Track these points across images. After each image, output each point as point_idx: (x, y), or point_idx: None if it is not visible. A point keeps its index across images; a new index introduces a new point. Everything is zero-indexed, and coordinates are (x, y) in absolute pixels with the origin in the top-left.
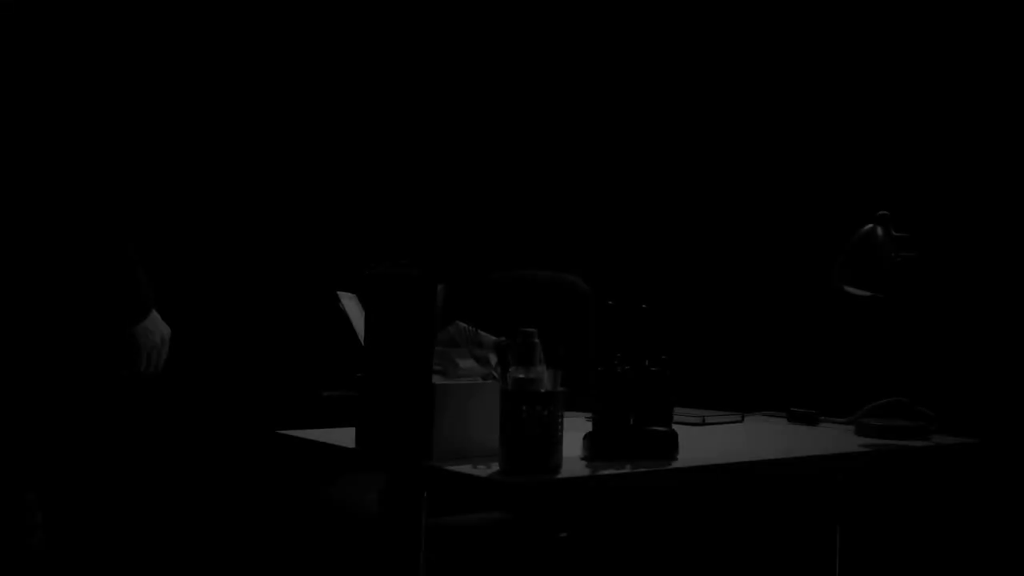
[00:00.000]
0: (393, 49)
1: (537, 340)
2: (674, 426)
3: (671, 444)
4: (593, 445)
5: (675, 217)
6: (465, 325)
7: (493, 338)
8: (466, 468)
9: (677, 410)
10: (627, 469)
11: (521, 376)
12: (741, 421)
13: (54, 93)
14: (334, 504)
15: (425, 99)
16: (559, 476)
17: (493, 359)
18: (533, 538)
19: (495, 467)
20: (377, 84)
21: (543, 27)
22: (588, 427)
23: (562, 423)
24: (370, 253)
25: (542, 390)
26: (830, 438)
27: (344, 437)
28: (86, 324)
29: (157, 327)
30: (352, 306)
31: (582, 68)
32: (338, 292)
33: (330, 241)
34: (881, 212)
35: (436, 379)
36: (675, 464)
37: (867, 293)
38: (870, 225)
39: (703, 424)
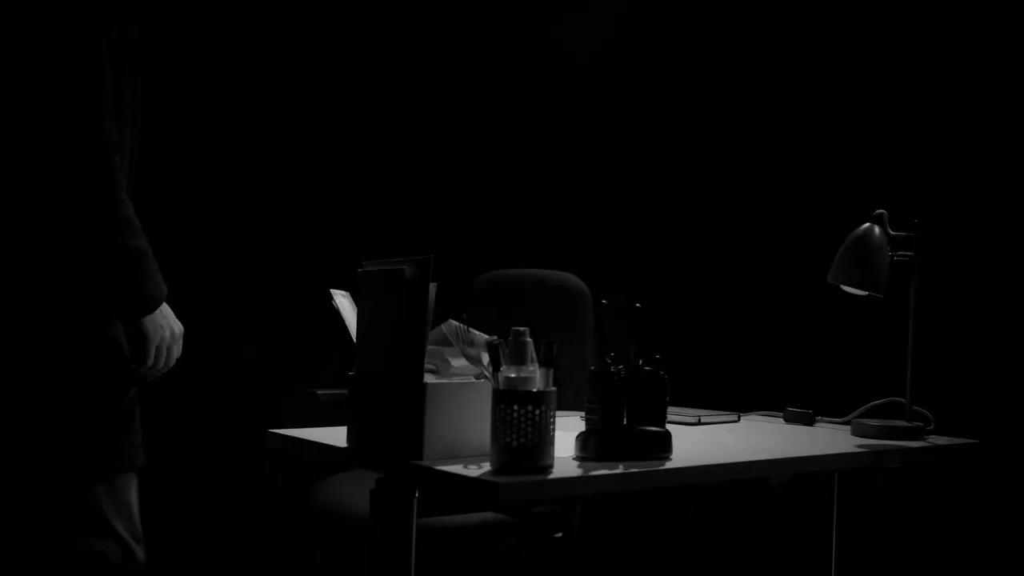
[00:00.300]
0: (389, 50)
1: (529, 339)
2: (669, 426)
3: (664, 444)
4: (586, 445)
5: (672, 216)
6: (457, 323)
7: (485, 337)
8: (457, 468)
9: (673, 410)
10: (619, 470)
11: (512, 375)
12: (737, 421)
13: (55, 79)
14: (326, 503)
15: (421, 99)
16: (550, 477)
17: (485, 358)
18: (527, 538)
19: (486, 467)
20: (372, 84)
21: (540, 28)
22: (583, 426)
23: (554, 423)
24: (365, 251)
25: (534, 389)
26: (826, 438)
27: (337, 436)
28: (87, 315)
29: (168, 322)
30: (345, 304)
31: (578, 68)
32: (332, 290)
33: (325, 239)
34: (878, 211)
35: (428, 378)
36: (668, 464)
37: (864, 292)
38: (867, 224)
39: (699, 424)
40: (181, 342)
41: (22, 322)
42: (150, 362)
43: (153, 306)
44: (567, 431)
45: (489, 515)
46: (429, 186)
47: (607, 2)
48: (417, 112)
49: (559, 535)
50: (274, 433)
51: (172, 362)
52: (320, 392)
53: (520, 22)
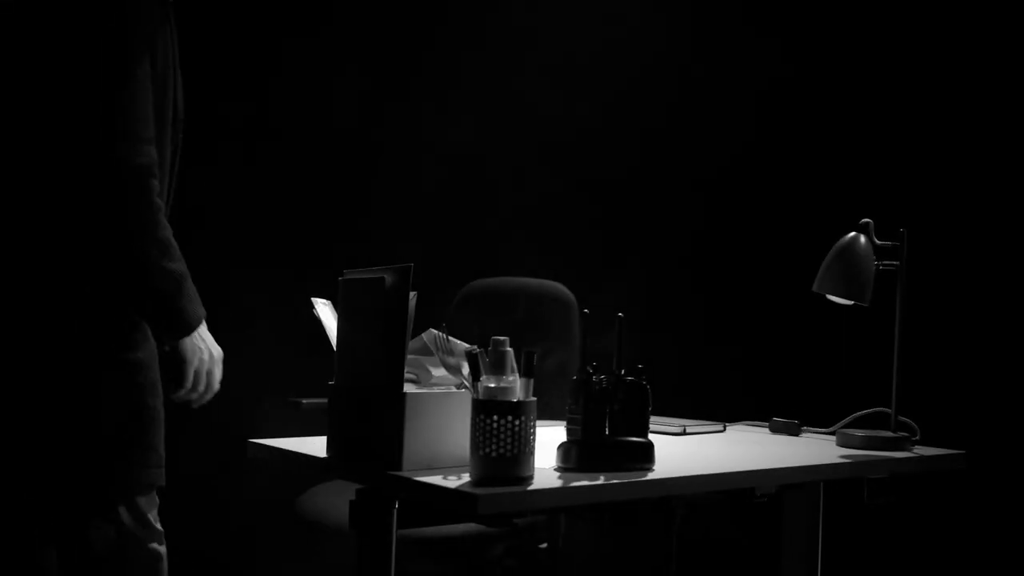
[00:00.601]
0: (376, 50)
1: (509, 348)
2: (654, 436)
3: (647, 454)
4: (567, 455)
5: (659, 225)
6: (437, 332)
7: (465, 346)
8: (436, 479)
9: (658, 419)
10: (600, 480)
11: (492, 385)
12: (723, 431)
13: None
14: (310, 513)
15: (408, 104)
16: (530, 488)
17: (464, 368)
18: (512, 549)
19: (466, 478)
20: (356, 85)
21: (521, 26)
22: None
23: (535, 433)
24: (350, 259)
25: (514, 399)
26: (812, 449)
27: (319, 446)
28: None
29: (207, 344)
30: (327, 313)
31: (562, 77)
32: (313, 299)
33: (308, 246)
34: (864, 220)
35: (408, 387)
36: (650, 475)
37: (849, 302)
38: (853, 233)
39: (684, 434)
40: (221, 365)
41: (47, 341)
42: (188, 384)
43: (189, 329)
44: (551, 441)
45: (472, 526)
46: (419, 193)
47: (599, 6)
48: (408, 116)
49: (544, 545)
50: (255, 443)
51: (215, 385)
52: (303, 401)
53: (511, 20)
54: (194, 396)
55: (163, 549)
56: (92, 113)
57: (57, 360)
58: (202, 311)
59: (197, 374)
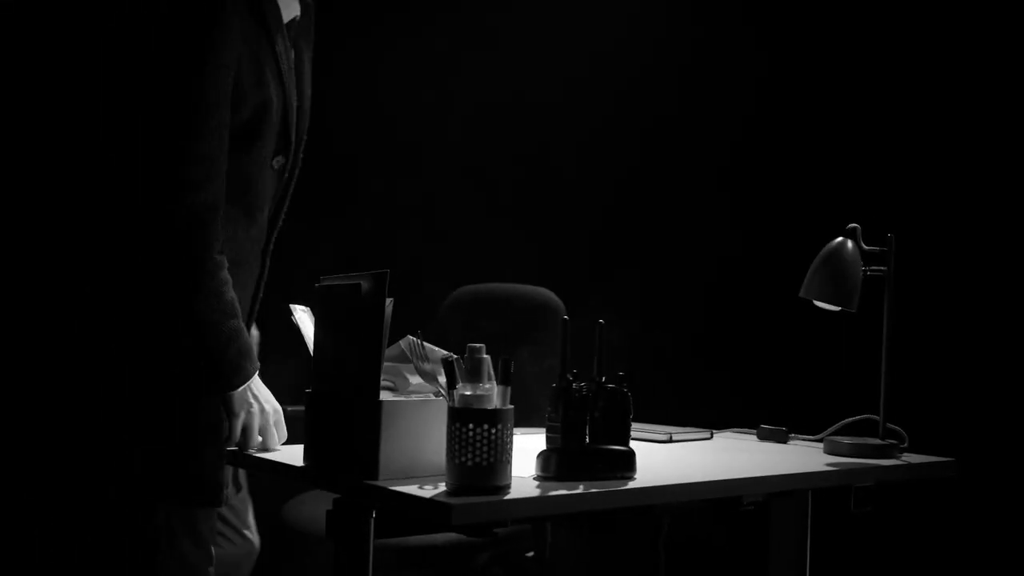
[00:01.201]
0: (372, 50)
1: (486, 356)
2: (640, 443)
3: (628, 463)
4: (547, 464)
5: (647, 231)
6: (414, 339)
7: (442, 353)
8: (412, 488)
9: (645, 427)
10: (579, 490)
11: (468, 393)
12: (710, 438)
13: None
14: (293, 522)
15: (394, 107)
16: (506, 497)
17: (441, 375)
18: (497, 557)
19: (443, 487)
20: (346, 93)
21: (533, 25)
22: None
23: (511, 442)
24: (338, 266)
25: (490, 407)
26: (799, 456)
27: (298, 454)
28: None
29: (259, 401)
30: (306, 319)
31: (551, 83)
32: (291, 305)
33: (291, 252)
34: (851, 225)
35: (385, 395)
36: (631, 484)
37: (837, 308)
38: (840, 238)
39: (670, 441)
40: (283, 422)
41: (128, 361)
42: (235, 437)
43: (233, 385)
44: (534, 449)
45: (454, 535)
46: (408, 197)
47: (597, 9)
48: (405, 116)
49: (531, 554)
50: (234, 451)
51: (271, 441)
52: (289, 409)
53: (508, 23)
54: (247, 449)
55: (213, 572)
56: (157, 164)
57: (133, 381)
58: (251, 367)
59: (246, 428)
